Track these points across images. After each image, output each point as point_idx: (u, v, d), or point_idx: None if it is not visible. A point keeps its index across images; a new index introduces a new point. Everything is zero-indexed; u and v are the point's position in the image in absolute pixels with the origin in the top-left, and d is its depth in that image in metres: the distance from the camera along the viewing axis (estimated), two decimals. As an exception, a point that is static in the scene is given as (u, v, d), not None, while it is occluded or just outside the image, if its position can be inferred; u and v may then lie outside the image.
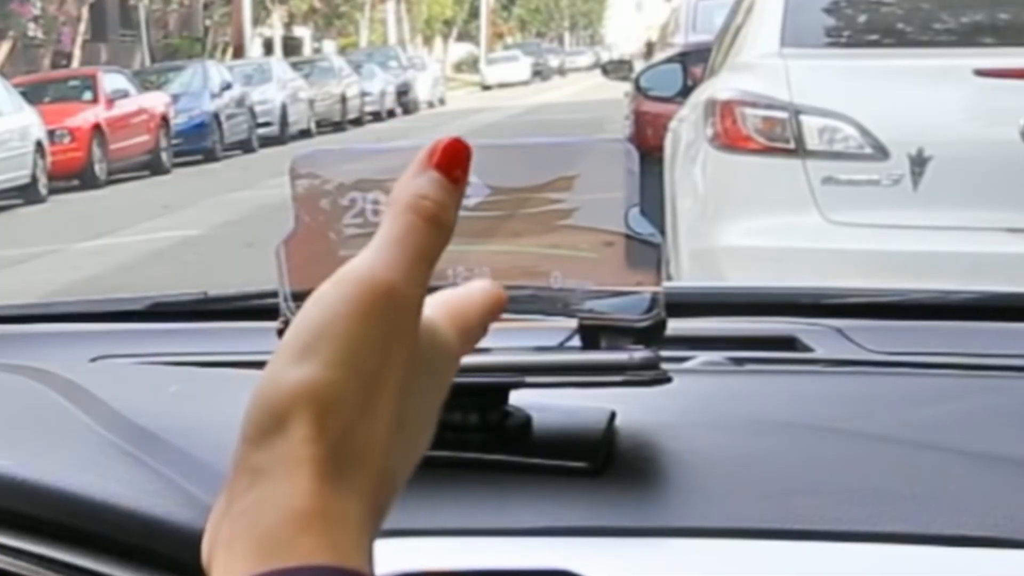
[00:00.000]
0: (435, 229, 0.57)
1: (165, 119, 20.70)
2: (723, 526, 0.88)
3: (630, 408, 0.99)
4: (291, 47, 37.80)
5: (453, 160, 0.58)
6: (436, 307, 0.60)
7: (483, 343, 0.66)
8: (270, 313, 1.00)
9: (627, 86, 9.67)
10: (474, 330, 0.63)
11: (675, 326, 0.97)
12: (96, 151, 18.62)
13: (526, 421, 0.96)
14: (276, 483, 0.54)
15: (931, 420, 1.07)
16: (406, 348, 0.56)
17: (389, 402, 0.56)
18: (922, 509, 0.89)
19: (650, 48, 13.63)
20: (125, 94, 20.45)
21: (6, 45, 25.23)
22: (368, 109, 31.57)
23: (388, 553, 0.66)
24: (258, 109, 24.25)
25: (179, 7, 33.01)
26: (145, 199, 16.07)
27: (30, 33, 26.46)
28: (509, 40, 70.47)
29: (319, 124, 27.45)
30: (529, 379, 0.94)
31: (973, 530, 0.86)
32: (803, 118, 4.41)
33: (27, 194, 16.75)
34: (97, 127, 18.86)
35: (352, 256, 0.59)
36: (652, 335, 0.93)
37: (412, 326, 0.57)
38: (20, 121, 17.29)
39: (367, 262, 0.57)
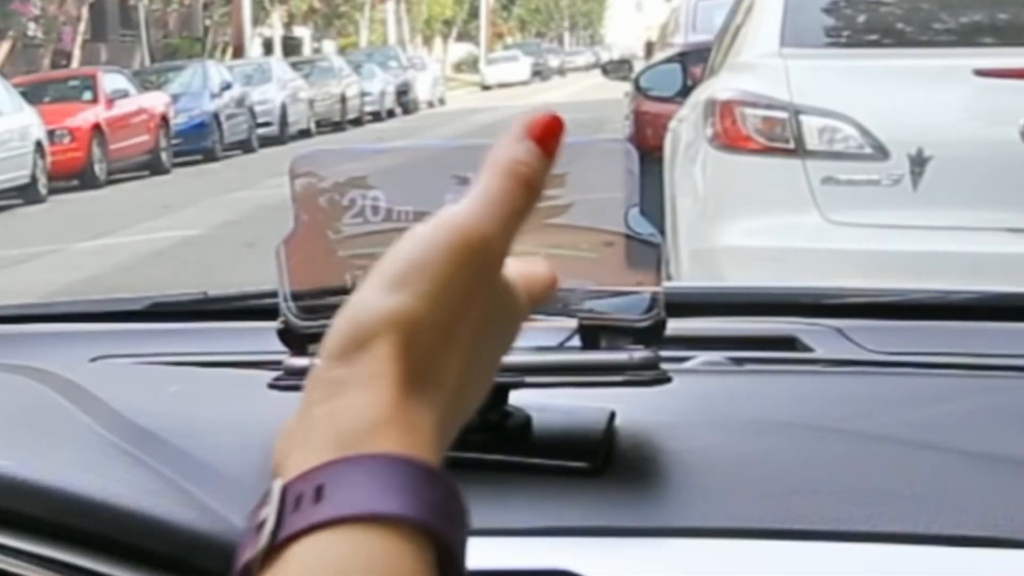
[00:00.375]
0: (528, 192, 0.62)
1: (165, 119, 20.70)
2: (723, 526, 0.88)
3: (630, 408, 0.99)
4: (291, 47, 37.80)
5: (548, 133, 0.63)
6: (511, 270, 0.65)
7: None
8: (270, 313, 1.00)
9: (627, 86, 9.66)
10: (540, 296, 0.69)
11: (675, 326, 0.97)
12: (96, 151, 18.61)
13: (526, 421, 0.96)
14: (357, 393, 0.58)
15: (931, 420, 1.07)
16: (487, 295, 0.62)
17: (465, 339, 0.61)
18: (922, 509, 0.89)
19: (650, 48, 13.62)
20: (125, 94, 20.45)
21: (6, 45, 25.23)
22: (368, 109, 31.57)
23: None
24: (258, 109, 24.24)
25: (179, 7, 33.01)
26: (145, 199, 16.07)
27: (30, 33, 26.46)
28: (509, 40, 70.47)
29: (319, 124, 27.45)
30: (529, 379, 0.94)
31: (973, 530, 0.86)
32: (803, 118, 4.41)
33: (27, 194, 16.75)
34: (97, 127, 18.86)
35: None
36: (652, 335, 0.94)
37: (496, 276, 0.62)
38: (20, 121, 17.29)
39: (464, 213, 0.61)
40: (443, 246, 0.60)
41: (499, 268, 0.62)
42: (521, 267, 0.66)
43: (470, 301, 0.61)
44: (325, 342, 0.60)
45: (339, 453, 0.56)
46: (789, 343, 1.44)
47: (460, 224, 0.60)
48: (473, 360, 0.61)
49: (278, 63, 28.34)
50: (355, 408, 0.57)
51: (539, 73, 56.26)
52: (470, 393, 0.63)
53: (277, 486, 0.56)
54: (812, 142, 4.41)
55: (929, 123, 4.41)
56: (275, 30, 36.69)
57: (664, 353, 0.94)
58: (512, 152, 0.63)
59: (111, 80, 20.61)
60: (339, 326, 0.60)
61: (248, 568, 0.56)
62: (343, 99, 29.87)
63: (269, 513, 0.56)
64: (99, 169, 18.59)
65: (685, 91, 5.96)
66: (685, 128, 5.19)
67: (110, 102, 19.71)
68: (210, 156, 21.68)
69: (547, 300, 0.69)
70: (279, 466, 0.58)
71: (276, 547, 0.55)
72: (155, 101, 21.01)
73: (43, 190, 17.08)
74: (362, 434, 0.57)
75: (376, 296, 0.59)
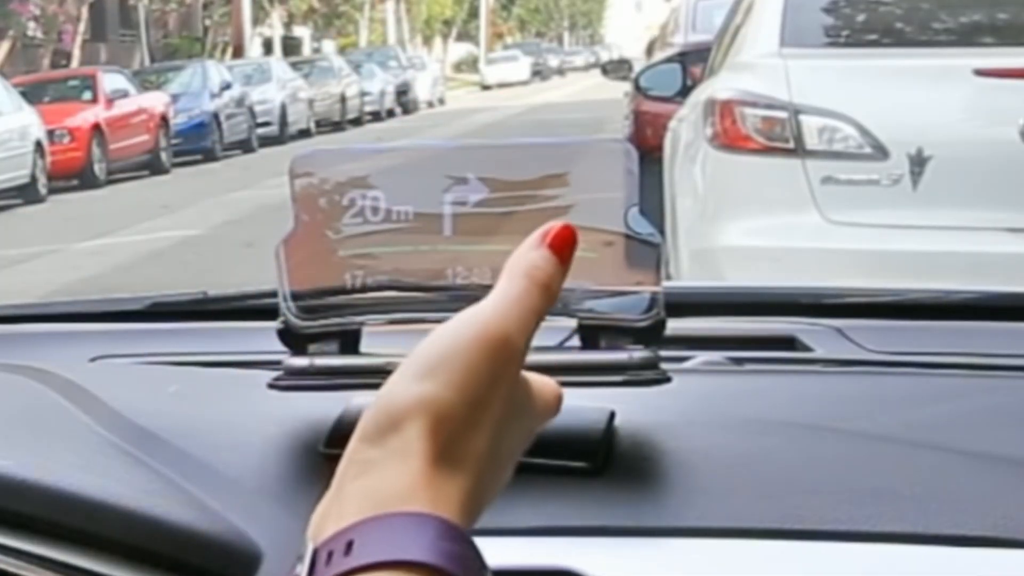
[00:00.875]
0: (545, 294, 0.68)
1: (165, 119, 20.69)
2: (723, 526, 0.88)
3: (630, 408, 0.99)
4: (290, 47, 37.79)
5: (563, 243, 0.70)
6: (533, 379, 0.71)
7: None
8: (270, 313, 1.00)
9: (627, 86, 9.66)
10: (551, 404, 0.73)
11: (675, 326, 0.97)
12: (95, 151, 18.61)
13: (526, 421, 0.96)
14: (389, 468, 0.63)
15: (931, 420, 1.07)
16: (508, 387, 0.67)
17: (489, 425, 0.66)
18: (922, 509, 0.89)
19: (651, 49, 13.62)
20: (125, 94, 20.44)
21: (6, 45, 25.22)
22: (368, 109, 31.56)
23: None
24: (258, 109, 24.24)
25: (179, 7, 33.00)
26: (145, 199, 16.07)
27: (30, 33, 26.45)
28: (509, 40, 70.46)
29: (319, 124, 27.44)
30: (529, 379, 0.93)
31: (973, 530, 0.86)
32: (803, 118, 4.41)
33: (26, 194, 16.75)
34: (97, 127, 18.86)
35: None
36: (652, 335, 0.93)
37: (516, 369, 0.68)
38: (20, 121, 17.28)
39: (487, 311, 0.67)
40: (468, 340, 0.65)
41: (519, 361, 0.67)
42: (535, 377, 0.71)
43: (493, 391, 0.66)
44: (359, 425, 0.65)
45: (370, 515, 0.61)
46: (789, 343, 1.44)
47: (484, 321, 0.66)
48: (496, 445, 0.66)
49: (278, 63, 28.33)
50: (387, 480, 0.62)
51: (539, 73, 56.24)
52: (493, 478, 0.67)
53: (310, 547, 0.61)
54: (812, 142, 4.40)
55: (929, 123, 4.41)
56: (275, 30, 36.68)
57: (664, 353, 0.94)
58: (530, 258, 0.69)
59: (111, 80, 20.61)
60: (371, 412, 0.65)
61: None
62: (343, 99, 29.86)
63: (302, 571, 0.60)
64: (99, 169, 18.58)
65: (685, 91, 5.96)
66: (685, 128, 5.19)
67: (110, 102, 19.70)
68: (210, 156, 21.67)
69: (556, 410, 0.73)
70: (314, 538, 0.62)
71: None
72: (155, 101, 21.00)
73: (43, 190, 17.08)
74: (394, 499, 0.61)
75: (407, 384, 0.65)
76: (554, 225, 0.70)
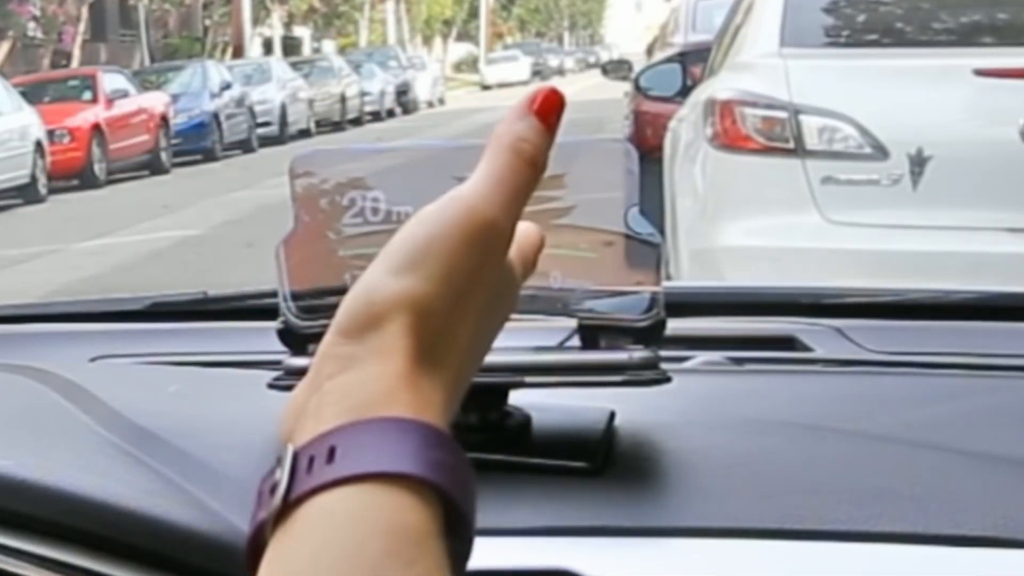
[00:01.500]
0: (531, 170, 0.64)
1: (165, 119, 20.70)
2: (723, 526, 0.88)
3: (630, 408, 0.99)
4: (291, 47, 37.79)
5: (550, 108, 0.65)
6: (514, 257, 0.67)
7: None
8: (270, 313, 1.00)
9: (627, 86, 9.66)
10: (532, 260, 0.70)
11: (675, 326, 0.97)
12: (96, 151, 18.61)
13: (526, 421, 0.96)
14: (369, 366, 0.59)
15: (931, 420, 1.07)
16: (494, 273, 0.63)
17: (473, 317, 0.62)
18: (922, 509, 0.89)
19: (651, 49, 13.62)
20: (125, 94, 20.45)
21: (6, 45, 25.22)
22: (368, 109, 31.57)
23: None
24: (258, 109, 24.24)
25: (179, 6, 32.99)
26: (145, 199, 16.07)
27: (30, 33, 26.45)
28: (509, 40, 70.45)
29: (319, 124, 27.45)
30: (529, 379, 0.94)
31: (973, 530, 0.86)
32: (803, 118, 4.41)
33: (27, 194, 16.75)
34: (97, 127, 18.86)
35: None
36: (652, 335, 0.93)
37: (502, 254, 0.64)
38: (20, 121, 17.29)
39: (471, 193, 0.62)
40: (451, 227, 0.61)
41: (506, 246, 0.64)
42: (514, 254, 0.68)
43: (477, 280, 0.62)
44: (336, 319, 0.61)
45: (351, 419, 0.57)
46: (789, 343, 1.44)
47: (467, 204, 0.62)
48: (478, 333, 0.64)
49: (278, 63, 28.34)
50: (368, 379, 0.59)
51: (539, 73, 56.25)
52: (473, 363, 0.65)
53: (289, 451, 0.57)
54: (812, 142, 4.41)
55: (929, 123, 4.41)
56: (275, 30, 36.68)
57: (664, 353, 0.94)
58: (515, 130, 0.64)
59: (111, 80, 20.61)
60: (350, 304, 0.61)
61: (262, 527, 0.56)
62: (343, 99, 29.87)
63: (282, 476, 0.57)
64: (99, 169, 18.59)
65: (685, 91, 5.96)
66: (685, 128, 5.19)
67: (110, 102, 19.71)
68: (210, 156, 21.68)
69: (537, 263, 0.71)
70: (290, 433, 0.59)
71: (289, 506, 0.56)
72: (155, 101, 21.01)
73: (43, 190, 17.08)
74: (375, 402, 0.58)
75: (387, 277, 0.61)
76: (541, 89, 0.66)
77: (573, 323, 0.94)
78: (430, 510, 0.56)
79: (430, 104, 37.76)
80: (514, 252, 0.67)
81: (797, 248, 4.34)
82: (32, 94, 18.69)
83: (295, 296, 0.95)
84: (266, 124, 24.51)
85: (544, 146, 0.64)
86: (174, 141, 20.97)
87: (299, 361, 0.95)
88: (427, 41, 56.43)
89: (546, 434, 0.96)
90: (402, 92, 35.27)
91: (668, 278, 2.68)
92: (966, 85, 4.40)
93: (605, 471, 0.94)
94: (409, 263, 0.61)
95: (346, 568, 0.54)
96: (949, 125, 4.41)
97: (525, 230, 0.70)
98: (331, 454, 0.56)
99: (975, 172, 4.31)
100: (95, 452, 0.99)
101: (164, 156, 20.38)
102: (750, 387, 1.19)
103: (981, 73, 4.35)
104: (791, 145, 4.41)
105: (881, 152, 4.35)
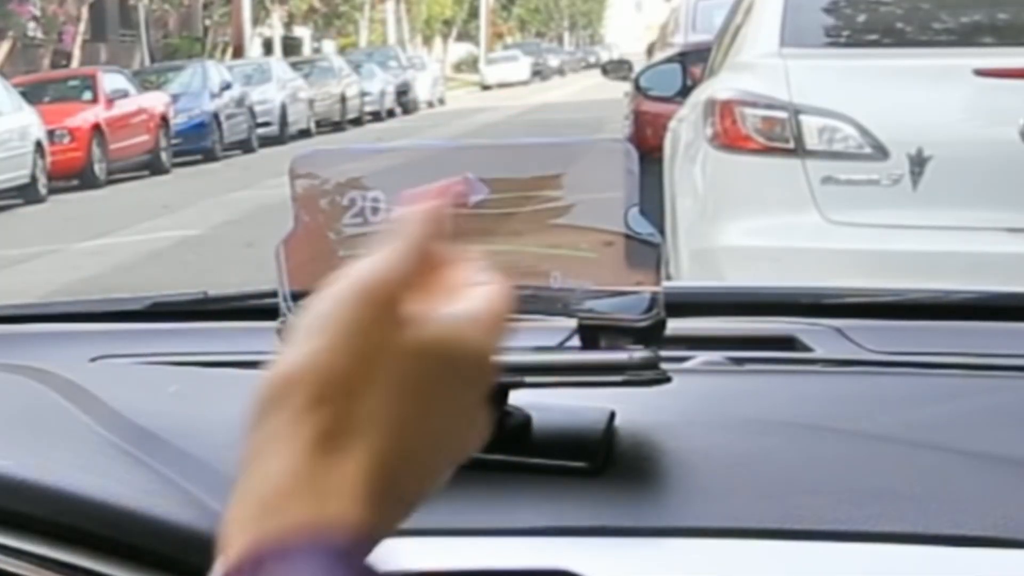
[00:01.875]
0: (424, 230, 0.63)
1: (165, 119, 20.69)
2: (723, 526, 0.88)
3: (630, 408, 0.99)
4: (291, 47, 37.78)
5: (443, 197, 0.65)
6: (457, 308, 0.63)
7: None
8: (270, 313, 1.00)
9: (627, 86, 9.66)
10: (498, 329, 0.64)
11: (675, 326, 0.97)
12: (96, 151, 18.61)
13: (526, 421, 0.96)
14: (270, 459, 0.59)
15: (931, 420, 1.07)
16: (401, 332, 0.60)
17: (389, 382, 0.60)
18: (922, 509, 0.89)
19: (651, 49, 13.62)
20: (125, 94, 20.44)
21: (6, 45, 25.22)
22: (368, 109, 31.56)
23: (388, 553, 0.66)
24: (258, 109, 24.24)
25: (179, 7, 32.99)
26: (145, 199, 16.06)
27: (30, 33, 26.44)
28: (509, 40, 70.44)
29: (319, 124, 27.44)
30: (529, 379, 0.94)
31: (973, 530, 0.86)
32: (803, 118, 4.40)
33: (27, 194, 16.74)
34: (97, 127, 18.86)
35: (352, 256, 0.60)
36: (652, 335, 0.93)
37: (401, 311, 0.61)
38: (20, 121, 17.28)
39: (363, 263, 0.62)
40: (344, 291, 0.60)
41: (403, 303, 0.61)
42: (468, 305, 0.63)
43: (383, 342, 0.60)
44: (251, 407, 0.60)
45: (257, 533, 0.57)
46: (789, 343, 1.44)
47: (359, 268, 0.61)
48: (410, 404, 0.60)
49: (278, 63, 28.33)
50: (268, 477, 0.59)
51: (539, 73, 56.25)
52: (417, 451, 0.61)
53: (218, 567, 0.58)
54: (812, 142, 4.40)
55: (929, 123, 4.41)
56: (275, 30, 36.67)
57: (664, 353, 0.94)
58: (409, 213, 0.65)
59: (111, 80, 20.61)
60: (256, 392, 0.60)
61: None
62: (343, 99, 29.86)
63: None
64: (99, 169, 18.58)
65: (685, 91, 5.96)
66: (685, 128, 5.19)
67: (110, 102, 19.70)
68: (210, 156, 21.67)
69: (505, 333, 0.65)
70: (224, 542, 0.59)
71: None
72: (155, 101, 21.00)
73: (43, 190, 17.08)
74: (274, 504, 0.58)
75: (287, 354, 0.60)
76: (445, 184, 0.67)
77: (573, 323, 0.94)
78: None
79: (430, 104, 37.75)
80: (469, 319, 0.62)
81: (797, 248, 4.34)
82: (32, 94, 18.69)
83: (295, 296, 0.95)
84: (266, 124, 24.49)
85: (438, 212, 0.64)
86: (174, 141, 20.96)
87: (299, 361, 0.95)
88: (427, 41, 56.44)
89: (546, 434, 0.96)
90: (402, 92, 35.26)
91: (668, 278, 2.68)
92: (966, 85, 4.39)
93: (605, 471, 0.94)
94: (307, 334, 0.60)
95: None
96: (949, 125, 4.41)
97: (488, 292, 0.64)
98: None
99: (975, 172, 4.31)
100: (95, 452, 0.99)
101: (164, 156, 20.37)
102: (750, 387, 1.19)
103: (981, 73, 4.35)
104: (791, 145, 4.41)
105: (881, 152, 4.35)
